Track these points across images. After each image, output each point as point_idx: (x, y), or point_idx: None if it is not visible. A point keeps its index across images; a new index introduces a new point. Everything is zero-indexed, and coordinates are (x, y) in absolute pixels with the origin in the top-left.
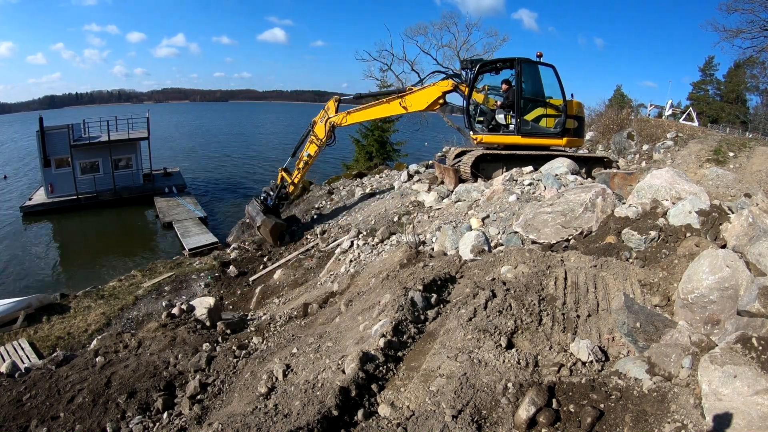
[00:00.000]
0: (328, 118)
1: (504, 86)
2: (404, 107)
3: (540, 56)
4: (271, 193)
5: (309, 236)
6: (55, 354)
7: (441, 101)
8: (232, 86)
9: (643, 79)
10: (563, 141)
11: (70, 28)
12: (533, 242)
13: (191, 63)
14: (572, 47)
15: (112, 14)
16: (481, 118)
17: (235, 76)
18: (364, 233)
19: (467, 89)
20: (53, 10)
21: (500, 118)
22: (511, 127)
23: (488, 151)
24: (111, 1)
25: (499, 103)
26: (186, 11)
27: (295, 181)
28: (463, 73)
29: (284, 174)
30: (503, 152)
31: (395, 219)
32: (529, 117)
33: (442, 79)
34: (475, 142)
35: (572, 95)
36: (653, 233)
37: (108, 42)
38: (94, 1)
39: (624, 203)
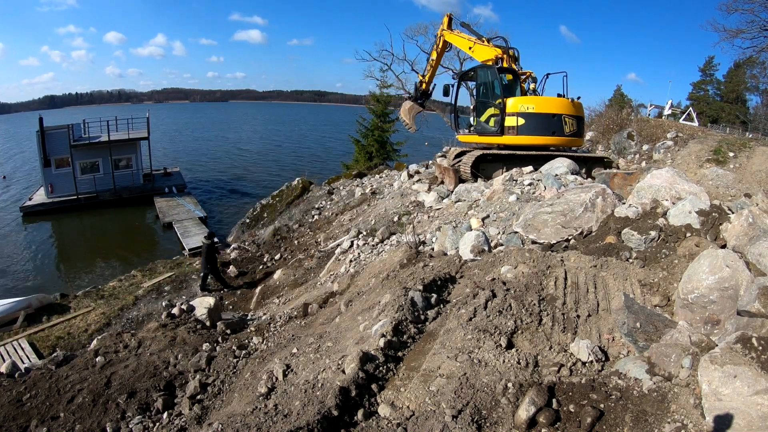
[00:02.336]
0: (443, 28)
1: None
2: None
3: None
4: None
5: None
6: (55, 354)
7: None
8: (229, 86)
9: (627, 71)
10: (501, 138)
11: (48, 31)
12: (533, 242)
13: (178, 63)
14: (534, 37)
15: (84, 16)
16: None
17: (228, 76)
18: (364, 233)
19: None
20: (30, 14)
21: (470, 119)
22: (473, 127)
23: (488, 151)
24: (78, 4)
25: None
26: (144, 11)
27: (426, 79)
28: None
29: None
30: (503, 152)
31: (395, 219)
32: (483, 118)
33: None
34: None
35: (578, 97)
36: (653, 233)
37: (91, 43)
38: (65, 6)
39: (624, 203)
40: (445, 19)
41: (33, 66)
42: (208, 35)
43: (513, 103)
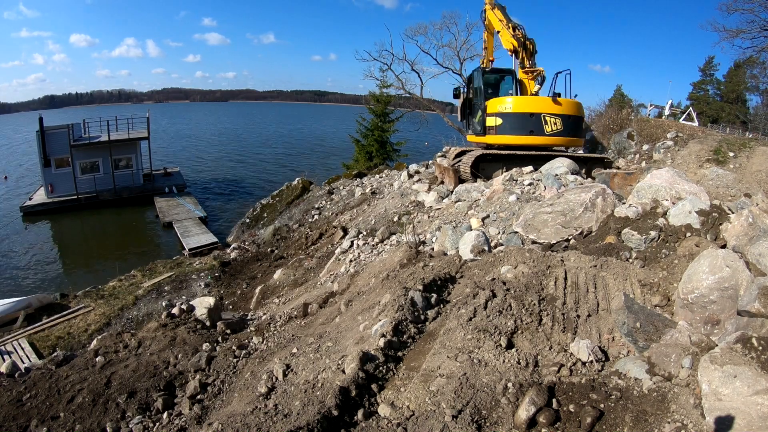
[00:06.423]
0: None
1: None
2: None
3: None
4: None
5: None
6: (55, 354)
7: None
8: (223, 86)
9: (589, 62)
10: (485, 138)
11: (18, 36)
12: (533, 242)
13: (160, 63)
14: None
15: (46, 22)
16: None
17: (218, 76)
18: (364, 233)
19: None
20: None
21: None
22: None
23: (488, 151)
24: (36, 12)
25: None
26: (100, 14)
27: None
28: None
29: None
30: (503, 152)
31: (395, 219)
32: (477, 118)
33: None
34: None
35: (575, 95)
36: (653, 233)
37: (64, 45)
38: (23, 17)
39: (624, 203)
40: None
41: (20, 67)
42: (170, 37)
43: (574, 104)
